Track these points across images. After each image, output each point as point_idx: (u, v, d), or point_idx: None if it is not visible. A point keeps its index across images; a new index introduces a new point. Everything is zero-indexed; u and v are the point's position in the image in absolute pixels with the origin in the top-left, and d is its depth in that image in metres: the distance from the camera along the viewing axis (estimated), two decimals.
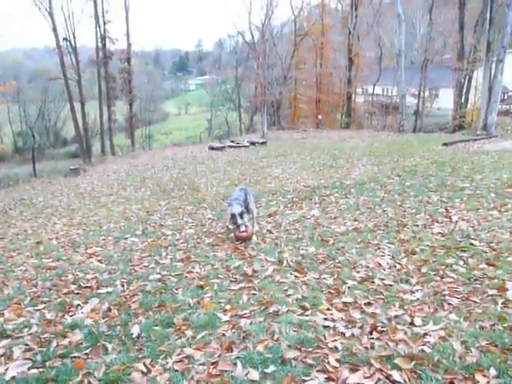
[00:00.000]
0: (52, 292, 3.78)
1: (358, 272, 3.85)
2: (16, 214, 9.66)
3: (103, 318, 3.18)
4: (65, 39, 28.35)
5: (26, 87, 51.47)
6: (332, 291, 3.48)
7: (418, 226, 5.18)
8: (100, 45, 29.24)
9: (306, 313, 3.11)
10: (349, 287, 3.53)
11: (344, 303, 3.25)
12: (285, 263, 4.15)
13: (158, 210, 7.66)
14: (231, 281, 3.82)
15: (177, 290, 3.65)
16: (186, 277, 3.96)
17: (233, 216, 4.95)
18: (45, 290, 3.85)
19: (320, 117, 30.84)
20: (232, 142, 21.99)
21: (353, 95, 34.28)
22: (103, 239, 5.70)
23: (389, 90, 36.56)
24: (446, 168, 9.39)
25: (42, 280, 4.10)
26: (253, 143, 20.21)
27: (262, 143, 20.14)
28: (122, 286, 3.82)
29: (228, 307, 3.27)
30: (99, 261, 4.65)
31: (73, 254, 5.01)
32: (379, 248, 4.48)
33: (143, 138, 44.21)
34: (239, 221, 4.91)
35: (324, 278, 3.74)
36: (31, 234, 6.73)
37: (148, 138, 45.35)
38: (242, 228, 4.94)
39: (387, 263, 4.01)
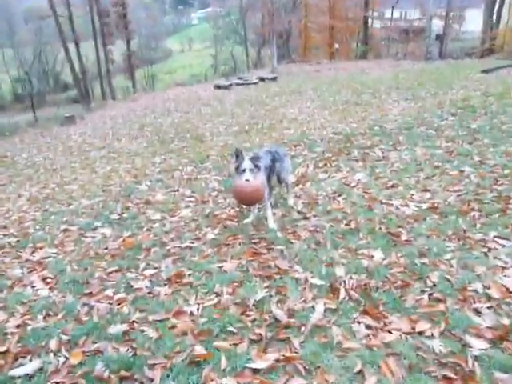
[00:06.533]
0: None
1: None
2: None
3: None
4: None
5: (20, 29, 48.23)
6: None
7: None
8: None
9: None
10: None
11: None
12: (342, 294, 2.37)
13: (150, 174, 5.94)
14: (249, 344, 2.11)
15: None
16: (172, 328, 2.28)
17: (237, 153, 3.25)
18: None
19: (337, 46, 27.97)
20: (239, 78, 19.90)
21: (370, 20, 30.85)
22: (64, 229, 4.01)
23: (407, 13, 32.89)
24: (510, 102, 7.42)
25: None
26: (262, 79, 18.29)
27: (273, 79, 18.16)
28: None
29: None
30: (43, 280, 2.99)
31: (10, 264, 3.35)
32: (489, 249, 2.70)
33: (146, 78, 41.66)
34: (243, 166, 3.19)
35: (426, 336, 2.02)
36: None
37: (151, 79, 42.75)
38: (245, 176, 3.15)
39: None
